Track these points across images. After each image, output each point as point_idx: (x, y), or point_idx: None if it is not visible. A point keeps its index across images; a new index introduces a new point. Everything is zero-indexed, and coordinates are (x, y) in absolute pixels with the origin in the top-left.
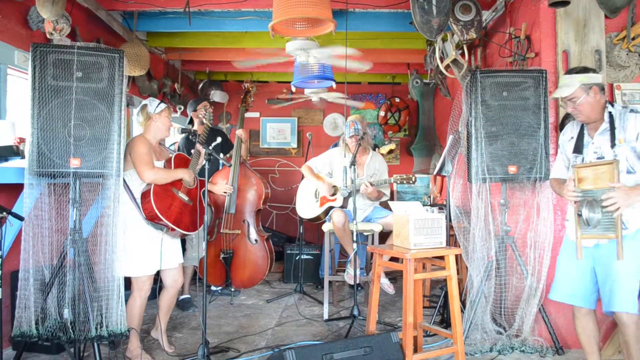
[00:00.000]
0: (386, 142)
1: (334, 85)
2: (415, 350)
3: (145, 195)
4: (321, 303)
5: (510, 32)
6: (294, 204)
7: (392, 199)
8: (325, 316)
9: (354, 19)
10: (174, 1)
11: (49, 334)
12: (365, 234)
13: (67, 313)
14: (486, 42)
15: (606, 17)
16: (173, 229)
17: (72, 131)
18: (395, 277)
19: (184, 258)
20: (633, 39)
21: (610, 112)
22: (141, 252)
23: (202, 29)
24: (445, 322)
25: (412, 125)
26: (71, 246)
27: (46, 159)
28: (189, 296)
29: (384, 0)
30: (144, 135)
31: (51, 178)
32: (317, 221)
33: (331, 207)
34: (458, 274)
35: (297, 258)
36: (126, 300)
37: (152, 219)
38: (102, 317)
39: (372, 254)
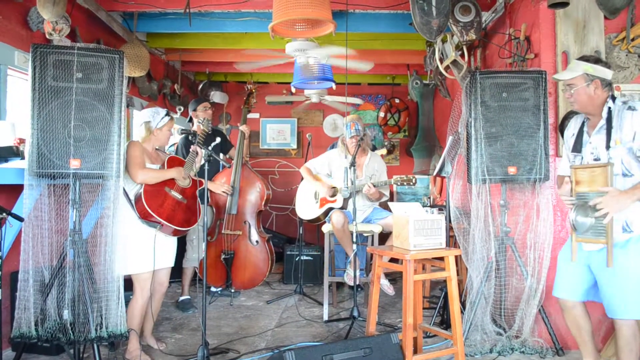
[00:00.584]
0: (378, 147)
1: (334, 86)
2: (415, 352)
3: (138, 196)
4: (321, 304)
5: (510, 33)
6: (294, 205)
7: (391, 199)
8: (325, 317)
9: (353, 20)
10: (174, 2)
11: (48, 335)
12: (365, 235)
13: (66, 314)
14: (486, 43)
15: (605, 18)
16: (166, 225)
17: (72, 132)
18: (395, 278)
19: (184, 259)
20: (632, 39)
21: (609, 108)
22: (139, 250)
23: (202, 29)
24: (445, 323)
25: (411, 126)
26: (71, 247)
27: (46, 159)
28: (188, 297)
29: (383, 1)
30: (139, 141)
31: (51, 179)
32: (317, 222)
33: (331, 208)
34: (458, 275)
35: (297, 259)
36: (126, 302)
37: (145, 216)
38: (101, 318)
39: (371, 255)
